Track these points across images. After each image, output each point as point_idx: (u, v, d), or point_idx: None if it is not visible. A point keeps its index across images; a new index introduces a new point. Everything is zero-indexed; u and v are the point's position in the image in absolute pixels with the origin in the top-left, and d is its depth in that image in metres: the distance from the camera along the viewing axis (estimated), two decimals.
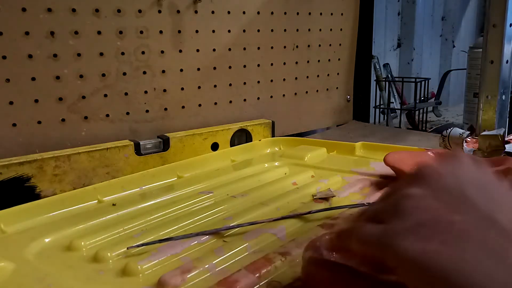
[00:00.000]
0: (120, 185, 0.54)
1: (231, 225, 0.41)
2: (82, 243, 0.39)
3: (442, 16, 1.62)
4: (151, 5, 0.71)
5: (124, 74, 0.70)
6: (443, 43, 1.64)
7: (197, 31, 0.77)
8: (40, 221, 0.45)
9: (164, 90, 0.75)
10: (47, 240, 0.41)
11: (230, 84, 0.84)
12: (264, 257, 0.35)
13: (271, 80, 0.90)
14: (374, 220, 0.26)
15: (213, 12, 0.78)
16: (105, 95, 0.69)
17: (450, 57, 1.64)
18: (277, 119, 0.86)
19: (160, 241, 0.38)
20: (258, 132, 0.80)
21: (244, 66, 0.85)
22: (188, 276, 0.32)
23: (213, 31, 0.79)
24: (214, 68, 0.81)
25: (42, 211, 0.47)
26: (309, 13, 0.93)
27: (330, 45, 0.98)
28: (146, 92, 0.73)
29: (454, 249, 0.21)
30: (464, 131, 0.69)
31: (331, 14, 0.96)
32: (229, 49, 0.82)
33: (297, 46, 0.92)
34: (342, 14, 0.98)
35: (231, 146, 0.76)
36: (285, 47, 0.90)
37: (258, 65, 0.87)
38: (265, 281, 0.32)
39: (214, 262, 0.34)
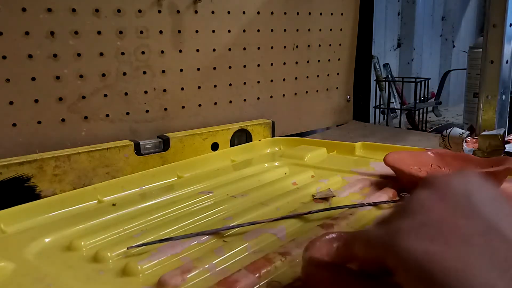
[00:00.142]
0: (120, 185, 0.54)
1: (231, 225, 0.41)
2: (82, 243, 0.39)
3: (442, 16, 1.62)
4: (151, 5, 0.71)
5: (124, 74, 0.70)
6: (443, 43, 1.64)
7: (197, 31, 0.77)
8: (40, 221, 0.45)
9: (164, 90, 0.75)
10: (47, 240, 0.41)
11: (230, 84, 0.84)
12: (264, 257, 0.35)
13: (271, 80, 0.90)
14: (381, 224, 0.26)
15: (213, 12, 0.78)
16: (105, 95, 0.69)
17: (450, 57, 1.64)
18: (277, 119, 0.86)
19: (160, 241, 0.38)
20: (258, 132, 0.80)
21: (244, 66, 0.85)
22: (188, 276, 0.32)
23: (213, 31, 0.79)
24: (214, 68, 0.81)
25: (42, 211, 0.47)
26: (309, 13, 0.93)
27: (330, 45, 0.98)
28: (146, 92, 0.73)
29: (458, 253, 0.20)
30: (464, 131, 0.69)
31: (331, 14, 0.96)
32: (229, 49, 0.82)
33: (297, 46, 0.92)
34: (342, 14, 0.98)
35: (231, 146, 0.76)
36: (285, 47, 0.90)
37: (258, 65, 0.87)
38: (265, 281, 0.32)
39: (214, 262, 0.34)
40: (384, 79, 1.21)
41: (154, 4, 0.72)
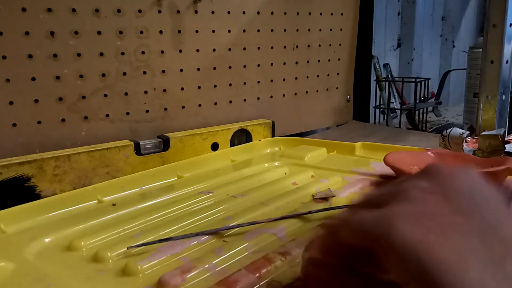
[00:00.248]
0: (120, 185, 0.54)
1: (231, 225, 0.41)
2: (82, 243, 0.39)
3: (442, 16, 1.62)
4: (151, 5, 0.71)
5: (124, 74, 0.70)
6: (443, 43, 1.64)
7: (197, 31, 0.77)
8: (40, 221, 0.45)
9: (164, 90, 0.75)
10: (47, 240, 0.41)
11: (230, 84, 0.84)
12: (264, 257, 0.35)
13: (271, 80, 0.90)
14: (372, 204, 0.24)
15: (213, 12, 0.78)
16: (105, 95, 0.69)
17: (450, 57, 1.64)
18: (277, 119, 0.86)
19: (160, 241, 0.38)
20: (258, 132, 0.80)
21: (244, 66, 0.85)
22: (188, 276, 0.32)
23: (213, 31, 0.79)
24: (214, 68, 0.81)
25: (42, 211, 0.47)
26: (309, 13, 0.93)
27: (330, 45, 0.98)
28: (146, 92, 0.73)
29: (455, 246, 0.20)
30: (464, 131, 0.69)
31: (331, 14, 0.96)
32: (229, 49, 0.82)
33: (297, 46, 0.92)
34: (342, 14, 0.98)
35: (231, 146, 0.76)
36: (285, 47, 0.90)
37: (258, 65, 0.87)
38: (265, 281, 0.32)
39: (214, 262, 0.34)
40: (384, 79, 1.21)
41: (154, 4, 0.72)
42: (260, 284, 0.32)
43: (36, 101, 0.64)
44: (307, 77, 0.96)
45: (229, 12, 0.81)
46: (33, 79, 0.63)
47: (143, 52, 0.72)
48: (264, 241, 0.38)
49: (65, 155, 0.60)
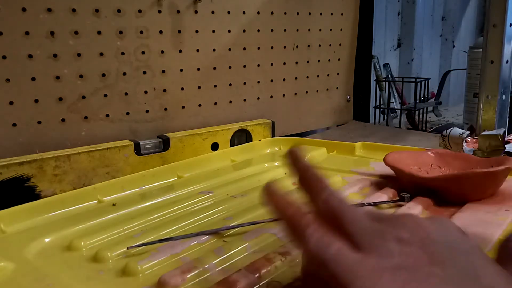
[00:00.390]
0: (120, 185, 0.54)
1: (231, 225, 0.41)
2: (82, 243, 0.39)
3: (442, 16, 1.62)
4: (151, 5, 0.71)
5: (124, 74, 0.70)
6: (443, 43, 1.64)
7: (197, 31, 0.77)
8: (40, 221, 0.45)
9: (164, 90, 0.75)
10: (47, 240, 0.41)
11: (230, 84, 0.84)
12: (264, 257, 0.35)
13: (271, 80, 0.90)
14: (352, 236, 0.24)
15: (213, 12, 0.78)
16: (105, 95, 0.69)
17: (450, 57, 1.64)
18: (277, 119, 0.86)
19: (160, 241, 0.38)
20: (258, 132, 0.80)
21: (244, 66, 0.85)
22: (188, 276, 0.32)
23: (213, 31, 0.79)
24: (214, 68, 0.81)
25: (42, 211, 0.47)
26: (309, 13, 0.93)
27: (330, 45, 0.98)
28: (146, 92, 0.73)
29: None
30: (464, 131, 0.69)
31: (331, 14, 0.96)
32: (229, 49, 0.82)
33: (297, 46, 0.92)
34: (342, 14, 0.98)
35: (231, 146, 0.76)
36: (285, 47, 0.90)
37: (258, 65, 0.87)
38: (265, 281, 0.32)
39: (214, 262, 0.34)
40: (384, 79, 1.21)
41: (154, 4, 0.72)
42: (260, 284, 0.32)
43: (36, 101, 0.64)
44: (307, 77, 0.96)
45: (229, 12, 0.81)
46: (33, 79, 0.63)
47: (143, 52, 0.72)
48: (264, 241, 0.38)
49: (65, 155, 0.60)
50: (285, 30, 0.89)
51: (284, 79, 0.92)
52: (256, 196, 0.50)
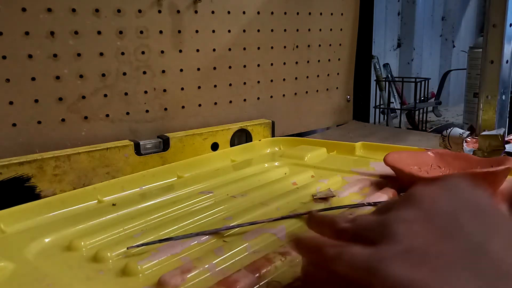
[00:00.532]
0: (120, 185, 0.54)
1: (231, 225, 0.41)
2: (82, 243, 0.39)
3: (442, 16, 1.62)
4: (151, 5, 0.71)
5: (124, 74, 0.70)
6: (443, 43, 1.64)
7: (197, 31, 0.77)
8: (40, 221, 0.45)
9: (164, 90, 0.75)
10: (47, 240, 0.41)
11: (230, 84, 0.84)
12: (264, 257, 0.35)
13: (271, 80, 0.90)
14: (362, 238, 0.25)
15: (213, 12, 0.78)
16: (105, 95, 0.69)
17: (450, 57, 1.64)
18: (277, 119, 0.86)
19: (160, 241, 0.38)
20: (258, 132, 0.80)
21: (244, 66, 0.85)
22: (188, 276, 0.32)
23: (213, 31, 0.79)
24: (214, 68, 0.81)
25: (42, 211, 0.47)
26: (309, 13, 0.93)
27: (330, 45, 0.98)
28: (146, 92, 0.73)
29: (444, 279, 0.20)
30: (464, 131, 0.69)
31: (331, 14, 0.96)
32: (229, 49, 0.82)
33: (297, 46, 0.92)
34: (342, 14, 0.98)
35: (231, 146, 0.76)
36: (285, 47, 0.90)
37: (258, 65, 0.87)
38: (265, 281, 0.32)
39: (214, 262, 0.34)
40: (384, 79, 1.21)
41: (154, 4, 0.72)
42: (260, 284, 0.32)
43: (36, 101, 0.64)
44: (307, 77, 0.96)
45: (229, 12, 0.81)
46: (33, 79, 0.63)
47: (143, 52, 0.72)
48: (264, 241, 0.38)
49: (65, 155, 0.60)
50: (285, 30, 0.89)
51: (284, 79, 0.92)
52: (256, 196, 0.50)
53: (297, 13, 0.91)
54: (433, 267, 0.21)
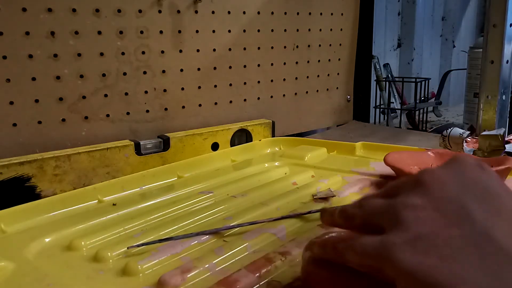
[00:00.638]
0: (120, 185, 0.54)
1: (231, 225, 0.41)
2: (82, 243, 0.39)
3: (442, 16, 1.62)
4: (151, 5, 0.71)
5: (124, 74, 0.70)
6: (443, 43, 1.64)
7: (197, 31, 0.77)
8: (40, 221, 0.45)
9: (164, 90, 0.75)
10: (47, 240, 0.41)
11: (230, 84, 0.84)
12: (264, 256, 0.35)
13: (271, 80, 0.90)
14: (372, 224, 0.26)
15: (213, 12, 0.79)
16: (105, 95, 0.69)
17: (450, 57, 1.64)
18: (277, 119, 0.86)
19: (160, 241, 0.38)
20: (258, 132, 0.80)
21: (244, 66, 0.85)
22: (188, 275, 0.32)
23: (213, 31, 0.79)
24: (214, 68, 0.81)
25: (42, 211, 0.47)
26: (309, 13, 0.93)
27: (330, 45, 0.98)
28: (146, 92, 0.73)
29: (451, 266, 0.21)
30: (464, 131, 0.69)
31: (331, 14, 0.96)
32: (229, 49, 0.82)
33: (297, 46, 0.92)
34: (342, 14, 0.98)
35: (231, 146, 0.76)
36: (285, 47, 0.90)
37: (258, 65, 0.87)
38: (265, 280, 0.32)
39: (214, 261, 0.34)
40: (384, 79, 1.21)
41: (154, 4, 0.72)
42: (260, 284, 0.32)
43: (37, 101, 0.64)
44: (307, 77, 0.96)
45: (229, 12, 0.81)
46: (33, 79, 0.63)
47: (143, 52, 0.72)
48: (264, 241, 0.38)
49: (65, 155, 0.60)
50: (285, 30, 0.90)
51: (284, 79, 0.92)
52: (256, 196, 0.50)
53: (297, 13, 0.91)
54: (440, 253, 0.21)
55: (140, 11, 0.70)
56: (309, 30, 0.93)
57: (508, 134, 0.74)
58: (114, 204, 0.49)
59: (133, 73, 0.71)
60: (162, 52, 0.74)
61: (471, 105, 1.09)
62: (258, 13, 0.85)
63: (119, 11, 0.68)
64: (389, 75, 1.29)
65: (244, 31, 0.84)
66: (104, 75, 0.69)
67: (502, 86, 0.82)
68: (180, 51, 0.76)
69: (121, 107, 0.71)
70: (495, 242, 0.21)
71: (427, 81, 1.19)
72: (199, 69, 0.79)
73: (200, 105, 0.80)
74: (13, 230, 0.43)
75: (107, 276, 0.34)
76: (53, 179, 0.59)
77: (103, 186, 0.52)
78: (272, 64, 0.89)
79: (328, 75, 0.99)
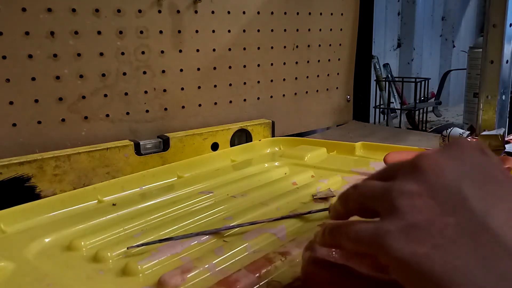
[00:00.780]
0: (120, 185, 0.54)
1: (231, 225, 0.41)
2: (82, 243, 0.39)
3: (442, 16, 1.62)
4: (151, 5, 0.71)
5: (124, 74, 0.70)
6: (443, 43, 1.64)
7: (197, 31, 0.77)
8: (40, 221, 0.45)
9: (164, 90, 0.75)
10: (47, 240, 0.41)
11: (230, 84, 0.84)
12: (264, 257, 0.35)
13: (271, 80, 0.90)
14: (367, 209, 0.26)
15: (213, 12, 0.78)
16: (105, 95, 0.69)
17: (450, 57, 1.64)
18: (277, 119, 0.86)
19: (160, 241, 0.38)
20: (258, 132, 0.80)
21: (244, 66, 0.85)
22: (188, 275, 0.32)
23: (213, 31, 0.79)
24: (214, 68, 0.81)
25: (42, 211, 0.47)
26: (309, 13, 0.93)
27: (330, 45, 0.98)
28: (146, 92, 0.73)
29: (445, 255, 0.21)
30: (464, 131, 0.69)
31: (331, 14, 0.96)
32: (229, 49, 0.82)
33: (297, 46, 0.92)
34: (342, 14, 0.98)
35: (231, 146, 0.76)
36: (285, 47, 0.90)
37: (258, 65, 0.87)
38: (265, 281, 0.32)
39: (214, 262, 0.34)
40: (384, 79, 1.21)
41: (154, 4, 0.72)
42: (260, 284, 0.32)
43: (36, 101, 0.64)
44: (307, 77, 0.96)
45: (229, 12, 0.81)
46: (33, 79, 0.63)
47: (143, 52, 0.72)
48: (264, 241, 0.38)
49: (65, 155, 0.60)
50: (285, 30, 0.89)
51: (284, 79, 0.92)
52: (256, 196, 0.50)
53: (297, 13, 0.91)
54: (435, 242, 0.21)
55: (140, 11, 0.70)
56: (309, 30, 0.93)
57: (508, 134, 0.74)
58: (114, 204, 0.49)
59: (133, 73, 0.71)
60: (162, 52, 0.74)
61: (471, 105, 1.09)
62: (258, 13, 0.85)
63: (119, 11, 0.68)
64: (389, 75, 1.29)
65: (244, 31, 0.84)
66: (104, 75, 0.69)
67: (502, 86, 0.82)
68: (180, 51, 0.76)
69: (121, 107, 0.71)
70: (491, 231, 0.21)
71: (427, 81, 1.19)
72: (199, 69, 0.79)
73: (200, 105, 0.80)
74: (13, 230, 0.43)
75: (107, 276, 0.34)
76: (53, 179, 0.59)
77: (103, 186, 0.53)
78: (272, 64, 0.89)
79: (328, 75, 0.99)
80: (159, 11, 0.72)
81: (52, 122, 0.65)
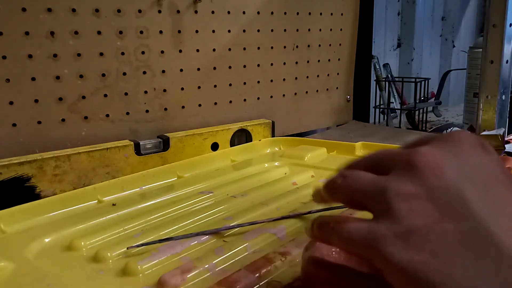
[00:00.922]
0: (120, 185, 0.54)
1: (231, 225, 0.41)
2: (82, 243, 0.39)
3: (442, 16, 1.62)
4: (151, 5, 0.71)
5: (124, 74, 0.70)
6: (443, 43, 1.64)
7: (197, 31, 0.77)
8: (40, 221, 0.45)
9: (164, 90, 0.75)
10: (47, 240, 0.41)
11: (230, 84, 0.84)
12: (264, 257, 0.35)
13: (271, 80, 0.90)
14: (357, 203, 0.24)
15: (213, 12, 0.78)
16: (105, 95, 0.69)
17: (450, 57, 1.64)
18: (277, 119, 0.86)
19: (160, 241, 0.38)
20: (258, 132, 0.80)
21: (244, 66, 0.85)
22: (188, 276, 0.32)
23: (213, 31, 0.79)
24: (214, 68, 0.81)
25: (42, 211, 0.47)
26: (309, 13, 0.93)
27: (330, 45, 0.98)
28: (146, 92, 0.73)
29: (443, 263, 0.20)
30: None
31: (331, 14, 0.96)
32: (229, 49, 0.82)
33: (297, 46, 0.92)
34: (342, 14, 0.98)
35: (231, 146, 0.76)
36: (285, 47, 0.90)
37: (258, 65, 0.87)
38: (265, 281, 0.32)
39: (214, 262, 0.34)
40: (384, 79, 1.21)
41: (154, 4, 0.72)
42: (260, 284, 0.32)
43: (36, 101, 0.64)
44: (307, 77, 0.96)
45: (229, 12, 0.81)
46: (33, 79, 0.63)
47: (143, 52, 0.72)
48: (264, 241, 0.38)
49: (65, 155, 0.60)
50: (285, 30, 0.89)
51: (284, 79, 0.92)
52: (256, 196, 0.50)
53: (297, 13, 0.91)
54: (433, 250, 0.20)
55: (140, 11, 0.70)
56: (309, 30, 0.93)
57: (508, 134, 0.74)
58: (114, 204, 0.49)
59: (133, 73, 0.71)
60: (162, 52, 0.74)
61: (471, 105, 1.09)
62: (258, 13, 0.85)
63: (119, 11, 0.68)
64: (389, 75, 1.29)
65: (244, 31, 0.84)
66: (104, 75, 0.69)
67: (502, 86, 0.82)
68: (180, 51, 0.76)
69: (121, 107, 0.71)
70: (494, 239, 0.20)
71: (426, 81, 1.19)
72: (199, 69, 0.79)
73: (200, 105, 0.80)
74: (13, 230, 0.43)
75: (107, 276, 0.34)
76: (53, 179, 0.59)
77: (103, 186, 0.52)
78: (272, 64, 0.89)
79: (328, 75, 0.99)
80: (159, 11, 0.72)
81: (52, 122, 0.65)
